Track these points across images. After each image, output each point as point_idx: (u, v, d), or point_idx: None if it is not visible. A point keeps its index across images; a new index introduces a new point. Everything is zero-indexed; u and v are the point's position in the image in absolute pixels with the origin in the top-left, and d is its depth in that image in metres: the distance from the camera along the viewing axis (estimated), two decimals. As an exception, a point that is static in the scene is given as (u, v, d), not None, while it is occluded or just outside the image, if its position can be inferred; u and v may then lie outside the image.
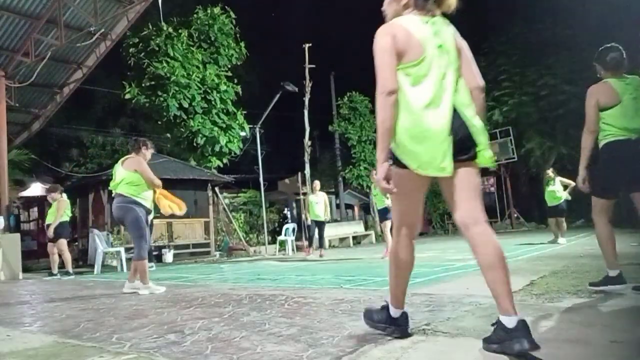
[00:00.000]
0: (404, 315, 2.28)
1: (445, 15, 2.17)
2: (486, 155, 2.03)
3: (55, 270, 8.43)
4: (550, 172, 9.62)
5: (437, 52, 2.03)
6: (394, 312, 2.28)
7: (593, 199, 3.35)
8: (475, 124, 2.02)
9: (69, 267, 8.50)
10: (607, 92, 3.21)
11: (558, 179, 9.37)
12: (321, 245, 10.03)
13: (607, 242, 3.32)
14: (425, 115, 1.98)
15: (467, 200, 2.05)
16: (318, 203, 9.84)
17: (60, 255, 8.57)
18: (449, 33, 2.12)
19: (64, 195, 8.71)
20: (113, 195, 5.11)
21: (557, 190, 9.28)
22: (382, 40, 2.07)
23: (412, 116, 2.00)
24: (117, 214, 5.06)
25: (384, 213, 8.81)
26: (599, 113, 3.20)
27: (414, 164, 2.02)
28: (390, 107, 2.00)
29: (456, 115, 1.99)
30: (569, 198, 9.28)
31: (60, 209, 8.36)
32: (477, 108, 2.09)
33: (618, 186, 3.26)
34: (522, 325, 1.83)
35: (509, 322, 1.85)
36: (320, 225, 9.95)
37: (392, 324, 2.27)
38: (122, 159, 5.27)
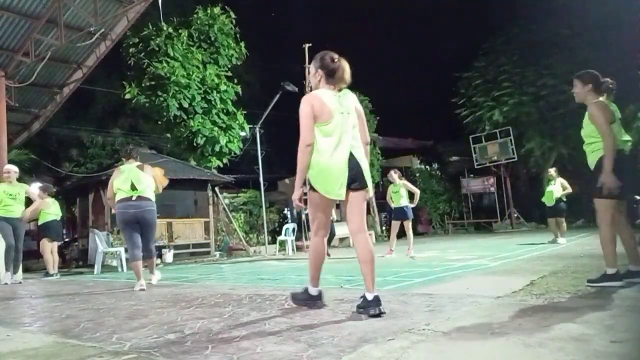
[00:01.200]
0: (320, 292, 3.25)
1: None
2: (368, 186, 3.03)
3: (51, 270, 8.44)
4: (552, 171, 9.59)
5: (340, 117, 2.99)
6: (314, 291, 3.23)
7: (601, 201, 3.55)
8: (364, 166, 3.03)
9: (49, 269, 8.47)
10: (609, 110, 3.58)
11: (559, 180, 9.34)
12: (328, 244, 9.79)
13: (609, 243, 3.52)
14: (331, 158, 2.94)
15: (357, 216, 3.06)
16: None
17: (58, 254, 8.59)
18: (351, 102, 3.09)
19: (49, 199, 8.70)
20: (133, 197, 5.32)
21: (555, 190, 9.26)
22: (305, 108, 3.01)
23: (322, 157, 2.96)
24: (147, 216, 5.41)
25: (402, 212, 8.74)
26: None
27: (322, 190, 3.00)
28: (308, 154, 2.99)
29: (352, 158, 2.96)
30: (564, 199, 9.28)
31: (34, 206, 8.28)
32: (365, 154, 3.13)
33: (620, 188, 3.48)
34: (377, 299, 2.84)
35: (370, 296, 2.86)
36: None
37: (312, 299, 3.21)
38: (135, 164, 5.56)
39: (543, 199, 9.53)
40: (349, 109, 3.04)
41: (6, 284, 7.14)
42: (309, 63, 15.06)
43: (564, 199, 9.27)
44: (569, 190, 9.29)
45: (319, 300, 3.21)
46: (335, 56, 3.10)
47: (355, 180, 2.96)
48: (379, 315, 2.77)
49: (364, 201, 3.08)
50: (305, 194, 3.13)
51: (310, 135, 2.96)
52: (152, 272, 5.74)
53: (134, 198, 5.33)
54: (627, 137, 3.60)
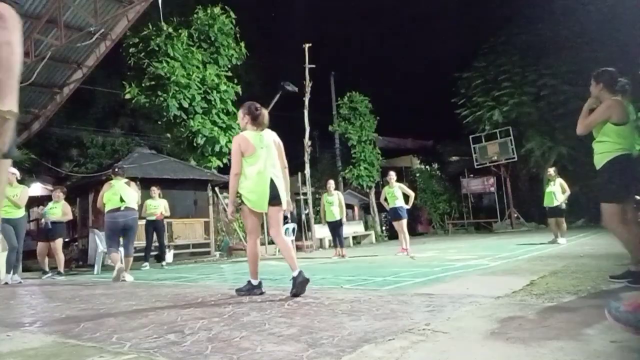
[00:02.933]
0: (260, 283, 4.16)
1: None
2: (284, 202, 4.14)
3: (47, 267, 8.52)
4: (552, 171, 9.54)
5: (260, 151, 4.05)
6: (255, 282, 4.13)
7: (606, 205, 3.60)
8: (280, 188, 4.09)
9: (62, 267, 8.61)
10: (622, 109, 3.60)
11: (559, 180, 9.31)
12: (341, 245, 9.76)
13: (629, 241, 3.59)
14: (256, 181, 4.01)
15: (275, 224, 4.16)
16: (333, 203, 9.69)
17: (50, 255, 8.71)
18: (270, 138, 4.17)
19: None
20: (121, 208, 6.67)
21: (555, 191, 9.23)
22: (235, 145, 4.08)
23: (249, 181, 4.02)
24: (132, 223, 6.80)
25: (396, 212, 9.03)
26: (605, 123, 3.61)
27: (250, 205, 4.07)
28: (236, 180, 4.07)
29: (272, 182, 4.03)
30: (564, 207, 9.25)
31: (68, 210, 8.83)
32: (284, 176, 4.20)
33: (628, 192, 3.64)
34: (301, 272, 3.85)
35: (296, 273, 3.87)
36: (337, 225, 9.71)
37: (254, 288, 4.11)
38: (124, 181, 6.86)
39: (545, 200, 9.49)
40: (269, 144, 4.12)
41: (6, 283, 7.15)
42: (309, 63, 15.19)
43: (565, 203, 9.26)
44: (568, 192, 9.27)
45: (259, 288, 4.11)
46: (258, 106, 4.22)
47: (273, 198, 4.05)
48: (307, 280, 3.83)
49: (280, 213, 4.20)
50: (237, 209, 4.38)
51: (237, 166, 4.05)
52: (127, 270, 6.78)
53: (122, 208, 6.65)
54: (633, 143, 3.61)
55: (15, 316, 3.89)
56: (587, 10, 16.98)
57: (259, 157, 4.01)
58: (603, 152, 3.63)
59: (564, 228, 9.25)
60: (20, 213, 7.47)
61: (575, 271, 4.48)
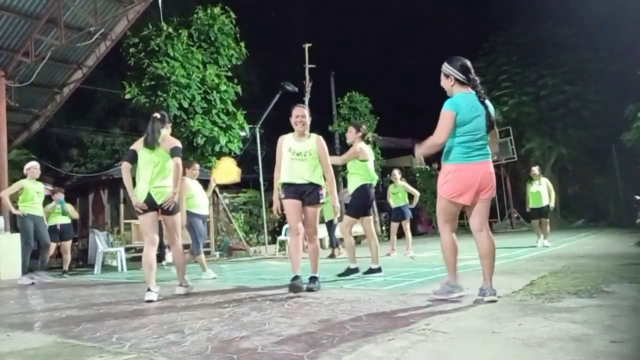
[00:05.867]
0: (298, 276, 4.39)
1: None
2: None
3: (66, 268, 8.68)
4: (536, 170, 9.26)
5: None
6: (297, 272, 4.42)
7: (348, 218, 5.37)
8: None
9: (67, 266, 8.73)
10: (367, 151, 5.51)
11: (544, 179, 9.14)
12: (332, 245, 9.99)
13: (351, 248, 5.37)
14: None
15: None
16: (326, 204, 9.88)
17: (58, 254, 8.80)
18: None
19: None
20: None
21: (542, 191, 8.91)
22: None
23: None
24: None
25: (400, 212, 9.05)
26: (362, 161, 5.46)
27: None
28: None
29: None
30: (552, 207, 9.16)
31: (74, 211, 9.15)
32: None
33: (363, 211, 5.38)
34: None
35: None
36: (328, 225, 9.97)
37: (294, 280, 4.34)
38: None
39: (530, 201, 9.12)
40: None
41: (33, 283, 7.06)
42: (309, 63, 15.21)
43: (554, 204, 9.21)
44: (554, 193, 9.13)
45: (299, 279, 4.44)
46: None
47: None
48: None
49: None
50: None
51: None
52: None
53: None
54: (372, 175, 5.44)
55: (15, 316, 3.89)
56: (587, 10, 16.97)
57: None
58: (352, 182, 5.37)
59: (547, 230, 8.92)
60: (42, 211, 7.46)
61: (575, 271, 4.49)
